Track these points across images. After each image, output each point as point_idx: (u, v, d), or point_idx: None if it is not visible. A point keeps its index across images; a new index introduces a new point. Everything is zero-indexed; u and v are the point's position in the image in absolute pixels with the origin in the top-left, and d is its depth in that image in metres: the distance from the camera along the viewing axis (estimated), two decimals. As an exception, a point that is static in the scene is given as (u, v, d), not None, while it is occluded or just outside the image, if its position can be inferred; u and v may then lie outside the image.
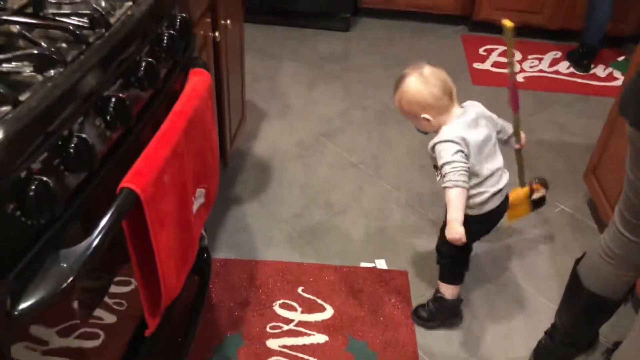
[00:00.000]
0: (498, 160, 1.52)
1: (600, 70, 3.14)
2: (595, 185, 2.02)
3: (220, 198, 2.02)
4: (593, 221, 2.10)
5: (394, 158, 2.39)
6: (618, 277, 1.36)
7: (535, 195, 1.86)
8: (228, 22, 1.78)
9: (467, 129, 1.44)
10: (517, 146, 1.71)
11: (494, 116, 1.56)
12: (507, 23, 1.53)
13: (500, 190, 1.52)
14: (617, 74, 3.11)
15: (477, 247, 1.96)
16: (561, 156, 2.45)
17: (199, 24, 1.56)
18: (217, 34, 1.70)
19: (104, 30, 0.95)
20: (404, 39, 3.37)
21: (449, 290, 1.66)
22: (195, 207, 1.17)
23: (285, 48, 3.19)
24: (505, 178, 1.53)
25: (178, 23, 1.16)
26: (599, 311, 1.45)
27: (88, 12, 0.97)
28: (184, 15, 1.19)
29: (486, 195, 1.50)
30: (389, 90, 2.80)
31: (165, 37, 1.09)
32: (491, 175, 1.49)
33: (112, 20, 0.98)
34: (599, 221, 2.08)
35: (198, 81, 1.17)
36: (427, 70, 1.46)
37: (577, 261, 1.48)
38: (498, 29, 3.55)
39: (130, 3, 1.05)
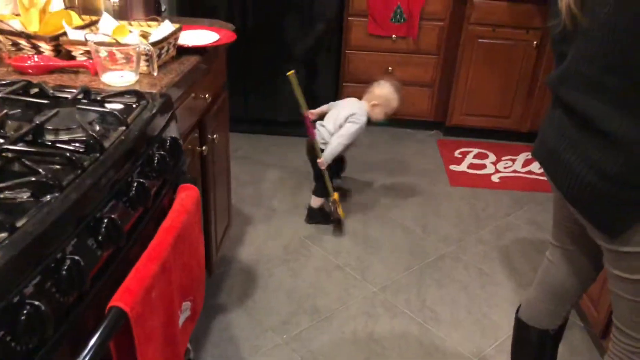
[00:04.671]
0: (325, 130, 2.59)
1: (571, 169, 3.28)
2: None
3: (205, 306, 2.00)
4: (577, 318, 2.12)
5: (378, 259, 2.43)
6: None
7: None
8: (215, 136, 1.87)
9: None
10: (318, 161, 2.55)
11: (344, 122, 2.57)
12: (289, 73, 2.34)
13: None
14: (587, 171, 3.24)
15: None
16: (541, 253, 2.49)
17: (187, 138, 1.64)
18: (204, 147, 1.78)
19: (98, 155, 1.00)
20: (384, 144, 3.52)
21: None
22: (181, 320, 1.18)
23: (270, 155, 3.31)
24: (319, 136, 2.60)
25: (168, 144, 1.23)
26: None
27: (84, 138, 1.03)
28: (173, 136, 1.26)
29: None
30: (370, 193, 2.90)
31: (156, 158, 1.15)
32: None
33: (106, 144, 1.04)
34: (581, 314, 2.09)
35: (186, 196, 1.22)
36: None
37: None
38: (471, 132, 3.74)
39: (123, 127, 1.12)
